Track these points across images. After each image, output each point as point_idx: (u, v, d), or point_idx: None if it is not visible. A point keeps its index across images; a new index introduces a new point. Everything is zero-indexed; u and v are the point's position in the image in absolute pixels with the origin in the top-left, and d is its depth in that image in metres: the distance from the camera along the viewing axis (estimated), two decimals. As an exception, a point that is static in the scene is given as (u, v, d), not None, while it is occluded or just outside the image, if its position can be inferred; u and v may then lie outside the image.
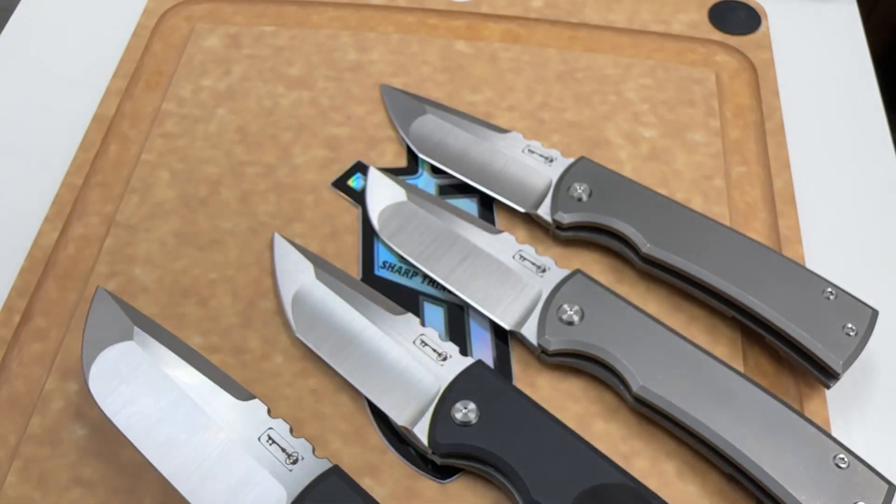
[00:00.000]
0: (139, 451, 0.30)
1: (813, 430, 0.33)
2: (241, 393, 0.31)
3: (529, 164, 0.43)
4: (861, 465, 0.32)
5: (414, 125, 0.45)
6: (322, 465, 0.29)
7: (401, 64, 0.49)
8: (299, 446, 0.30)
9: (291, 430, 0.31)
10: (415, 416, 0.34)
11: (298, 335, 0.38)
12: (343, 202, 0.43)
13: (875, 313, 0.36)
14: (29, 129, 0.48)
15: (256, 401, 0.31)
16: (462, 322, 0.39)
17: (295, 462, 0.29)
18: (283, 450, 0.30)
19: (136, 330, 0.33)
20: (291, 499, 0.28)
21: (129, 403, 0.31)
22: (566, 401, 0.37)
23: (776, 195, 0.43)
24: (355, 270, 0.41)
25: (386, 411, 0.35)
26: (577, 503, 0.30)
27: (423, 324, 0.37)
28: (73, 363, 0.38)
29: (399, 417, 0.35)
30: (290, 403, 0.36)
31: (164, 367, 0.31)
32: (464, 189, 0.44)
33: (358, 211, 0.43)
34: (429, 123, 0.45)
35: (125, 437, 0.30)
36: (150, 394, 0.31)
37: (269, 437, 0.30)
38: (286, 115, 0.47)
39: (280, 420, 0.31)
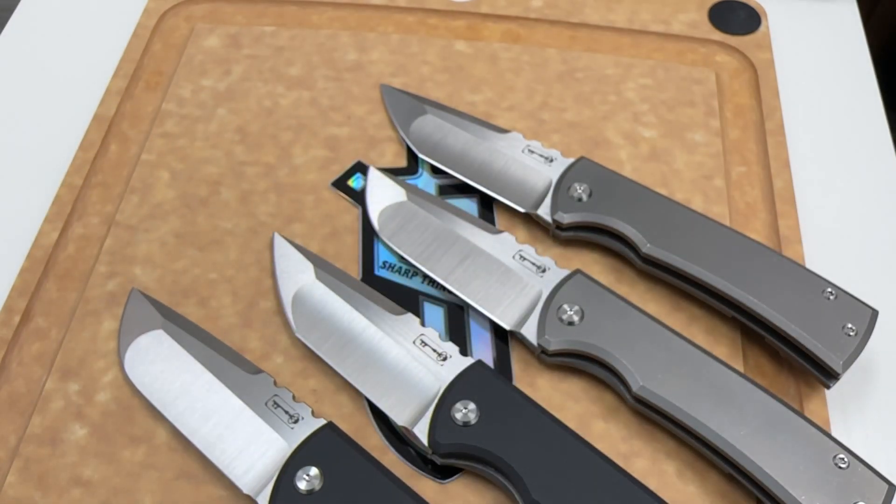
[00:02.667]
0: (165, 417, 0.35)
1: (813, 430, 0.33)
2: (251, 368, 0.36)
3: (529, 164, 0.43)
4: (861, 465, 0.32)
5: (414, 125, 0.45)
6: (319, 423, 0.34)
7: (401, 64, 0.49)
8: (300, 408, 0.35)
9: (294, 397, 0.35)
10: (415, 416, 0.34)
11: (298, 335, 0.38)
12: (343, 202, 0.43)
13: (875, 313, 0.36)
14: (29, 129, 0.48)
15: (264, 374, 0.36)
16: (462, 322, 0.39)
17: (296, 422, 0.34)
18: (286, 412, 0.34)
19: (164, 321, 0.38)
20: (292, 450, 0.33)
21: (158, 379, 0.36)
22: (566, 401, 0.37)
23: (776, 195, 0.43)
24: (355, 270, 0.41)
25: (386, 411, 0.35)
26: None
27: (423, 324, 0.37)
28: (73, 363, 0.38)
29: (399, 417, 0.35)
30: (290, 403, 0.36)
31: (187, 349, 0.37)
32: (464, 189, 0.44)
33: (358, 211, 0.43)
34: (429, 123, 0.45)
35: (154, 406, 0.36)
36: (174, 371, 0.36)
37: (275, 402, 0.35)
38: (286, 115, 0.47)
39: (284, 388, 0.35)
